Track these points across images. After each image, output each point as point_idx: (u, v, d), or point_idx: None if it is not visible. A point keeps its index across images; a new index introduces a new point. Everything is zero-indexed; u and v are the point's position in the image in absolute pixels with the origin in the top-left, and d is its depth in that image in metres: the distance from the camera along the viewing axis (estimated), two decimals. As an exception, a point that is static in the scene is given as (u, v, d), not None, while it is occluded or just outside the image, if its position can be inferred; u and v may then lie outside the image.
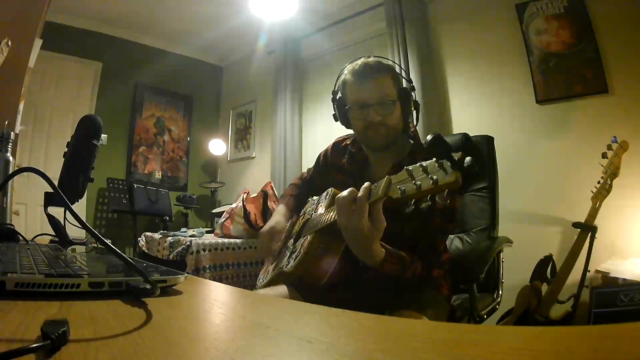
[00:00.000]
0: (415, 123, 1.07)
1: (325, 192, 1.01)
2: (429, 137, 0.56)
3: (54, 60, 3.42)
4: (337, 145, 1.17)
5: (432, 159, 0.57)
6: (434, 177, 0.56)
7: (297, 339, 0.30)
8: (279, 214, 1.15)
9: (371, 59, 1.01)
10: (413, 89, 1.02)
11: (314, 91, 3.64)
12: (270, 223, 1.11)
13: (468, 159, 0.53)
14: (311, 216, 1.00)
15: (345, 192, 0.73)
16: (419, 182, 0.58)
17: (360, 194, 0.71)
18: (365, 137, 1.02)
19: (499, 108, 2.41)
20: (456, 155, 0.53)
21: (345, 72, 1.02)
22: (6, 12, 1.50)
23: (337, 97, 1.06)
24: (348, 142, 1.14)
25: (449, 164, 0.54)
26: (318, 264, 0.87)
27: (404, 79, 1.06)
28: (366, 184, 0.72)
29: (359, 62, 1.00)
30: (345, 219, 0.72)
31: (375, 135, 0.99)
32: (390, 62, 1.03)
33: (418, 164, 0.60)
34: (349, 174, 1.08)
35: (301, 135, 3.66)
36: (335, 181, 1.10)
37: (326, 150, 1.20)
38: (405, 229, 0.89)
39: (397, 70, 1.05)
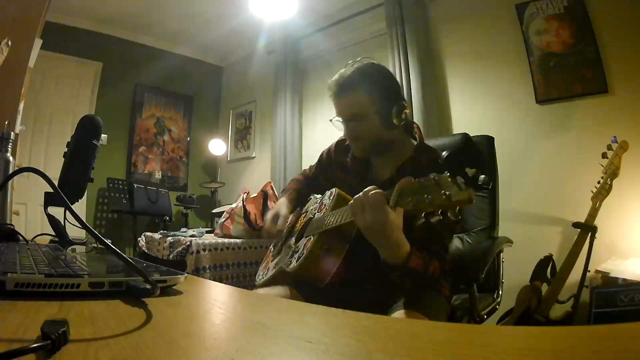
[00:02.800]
0: (410, 119, 1.06)
1: (329, 193, 0.99)
2: (444, 154, 0.56)
3: (54, 60, 3.42)
4: (341, 144, 1.16)
5: (434, 166, 0.57)
6: (447, 193, 0.55)
7: (297, 339, 0.30)
8: (282, 204, 1.13)
9: (348, 71, 0.98)
10: (398, 86, 1.01)
11: (314, 91, 3.64)
12: (273, 211, 1.10)
13: (482, 177, 0.53)
14: (314, 216, 0.99)
15: (367, 189, 0.74)
16: (431, 196, 0.58)
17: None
18: (351, 147, 1.06)
19: (499, 108, 2.41)
20: (470, 172, 0.54)
21: (329, 82, 1.01)
22: (6, 12, 1.50)
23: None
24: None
25: (462, 180, 0.54)
26: (321, 265, 0.87)
27: (389, 80, 1.01)
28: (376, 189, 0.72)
29: (339, 73, 0.99)
30: (370, 215, 0.73)
31: (355, 147, 1.03)
32: (369, 69, 0.98)
33: (431, 177, 0.59)
34: (353, 174, 1.08)
35: (301, 135, 3.66)
36: (339, 180, 1.09)
37: (329, 149, 1.19)
38: (415, 230, 0.89)
39: (379, 72, 1.00)
